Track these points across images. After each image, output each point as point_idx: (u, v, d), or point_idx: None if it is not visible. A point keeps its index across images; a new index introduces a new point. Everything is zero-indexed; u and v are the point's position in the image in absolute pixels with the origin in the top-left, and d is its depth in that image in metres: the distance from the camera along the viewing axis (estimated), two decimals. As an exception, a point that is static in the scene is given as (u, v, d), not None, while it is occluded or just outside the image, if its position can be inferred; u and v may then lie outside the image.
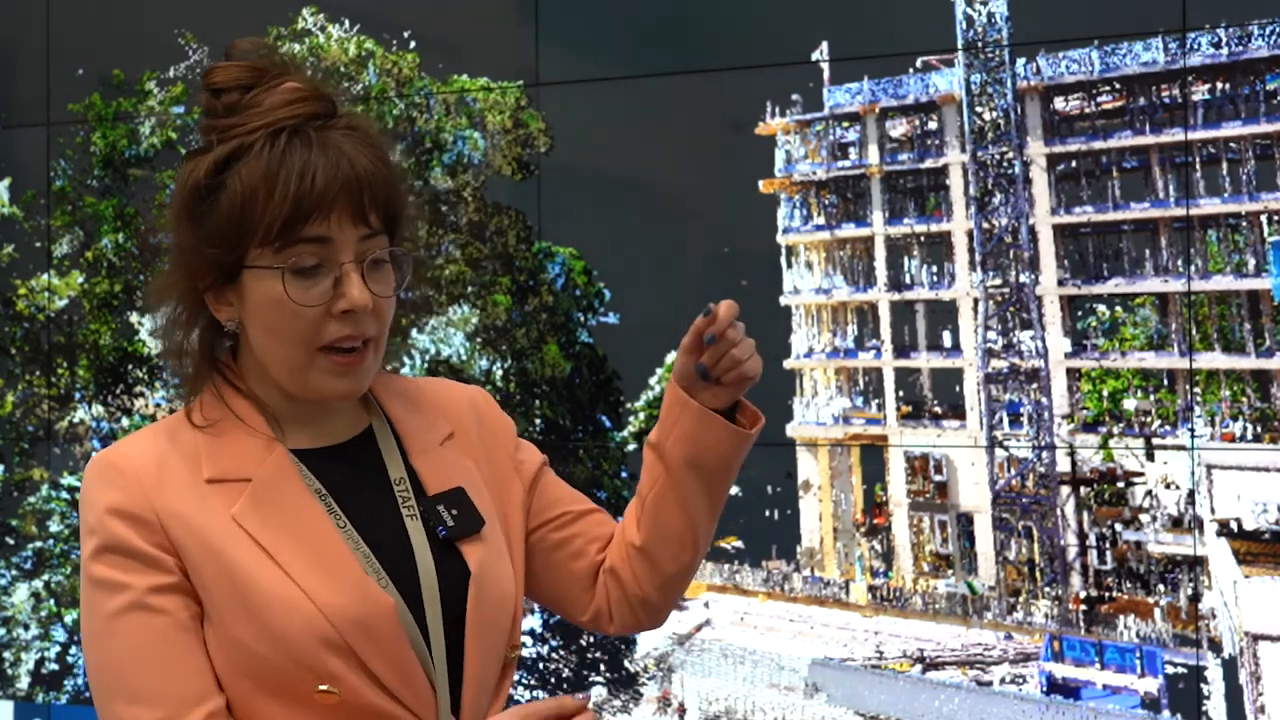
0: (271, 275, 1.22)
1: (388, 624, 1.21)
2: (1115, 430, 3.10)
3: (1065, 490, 3.14)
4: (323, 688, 1.18)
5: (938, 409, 3.29)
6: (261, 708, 1.20)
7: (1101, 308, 3.15)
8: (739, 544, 3.41)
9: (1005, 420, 3.21)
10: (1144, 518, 3.08)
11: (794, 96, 3.36)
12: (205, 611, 1.22)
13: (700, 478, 1.39)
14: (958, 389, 3.25)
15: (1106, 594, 3.11)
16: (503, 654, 1.31)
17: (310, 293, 1.22)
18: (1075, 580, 3.13)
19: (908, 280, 3.32)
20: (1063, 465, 3.14)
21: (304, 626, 1.18)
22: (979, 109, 3.21)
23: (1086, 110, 3.16)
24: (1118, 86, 3.12)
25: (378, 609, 1.21)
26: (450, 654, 1.26)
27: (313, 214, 1.21)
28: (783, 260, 3.40)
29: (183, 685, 1.19)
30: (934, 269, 3.30)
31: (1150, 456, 3.07)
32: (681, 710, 3.45)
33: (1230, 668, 2.97)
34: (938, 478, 3.28)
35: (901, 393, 3.32)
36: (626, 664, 3.51)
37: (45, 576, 4.03)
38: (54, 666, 4.02)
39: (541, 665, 3.56)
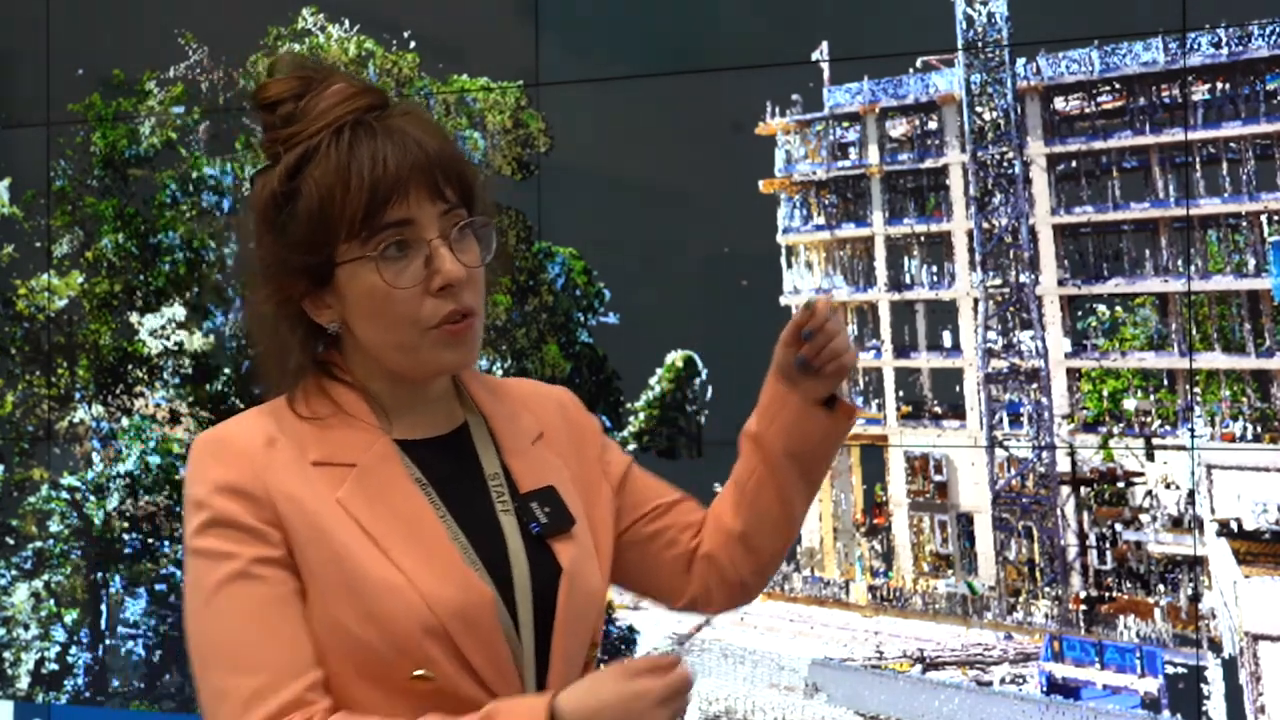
0: (365, 266, 1.24)
1: (487, 615, 1.22)
2: (1115, 430, 3.10)
3: (1065, 490, 3.14)
4: (418, 673, 1.19)
5: (938, 409, 3.29)
6: (355, 690, 1.21)
7: (1101, 308, 3.15)
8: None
9: (1005, 420, 3.21)
10: (1144, 518, 3.08)
11: (794, 96, 3.36)
12: (307, 591, 1.22)
13: (799, 467, 1.44)
14: (958, 389, 3.25)
15: (1106, 594, 3.11)
16: (585, 651, 1.33)
17: (405, 275, 1.24)
18: (1075, 580, 3.13)
19: (908, 280, 3.32)
20: (1063, 465, 3.14)
21: (407, 613, 1.19)
22: (979, 109, 3.21)
23: (1086, 110, 3.16)
24: (1118, 86, 3.12)
25: (478, 600, 1.22)
26: (541, 647, 1.27)
27: (391, 198, 1.22)
28: (783, 260, 3.40)
29: (283, 655, 1.19)
30: (934, 269, 3.30)
31: (1150, 456, 3.07)
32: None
33: (1230, 668, 2.97)
34: (938, 478, 3.28)
35: (901, 393, 3.32)
36: (626, 664, 3.51)
37: (45, 576, 4.03)
38: (54, 666, 4.02)
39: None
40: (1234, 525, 2.98)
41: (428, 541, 1.24)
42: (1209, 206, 3.04)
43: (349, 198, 1.22)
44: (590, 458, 1.44)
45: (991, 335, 3.21)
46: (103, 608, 3.98)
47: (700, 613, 1.53)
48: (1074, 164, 3.18)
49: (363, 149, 1.23)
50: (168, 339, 3.93)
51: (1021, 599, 3.17)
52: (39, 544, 4.03)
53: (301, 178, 1.24)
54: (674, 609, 1.52)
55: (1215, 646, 2.99)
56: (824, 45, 3.32)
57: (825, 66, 3.33)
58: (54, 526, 4.02)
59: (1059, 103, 3.18)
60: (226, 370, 3.89)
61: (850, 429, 1.45)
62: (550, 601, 1.28)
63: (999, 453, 3.20)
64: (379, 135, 1.24)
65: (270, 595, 1.20)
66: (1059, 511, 3.15)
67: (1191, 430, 3.02)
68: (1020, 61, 3.17)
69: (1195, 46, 3.02)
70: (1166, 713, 3.02)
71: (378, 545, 1.22)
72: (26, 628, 4.04)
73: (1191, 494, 3.02)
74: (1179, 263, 3.07)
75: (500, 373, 3.56)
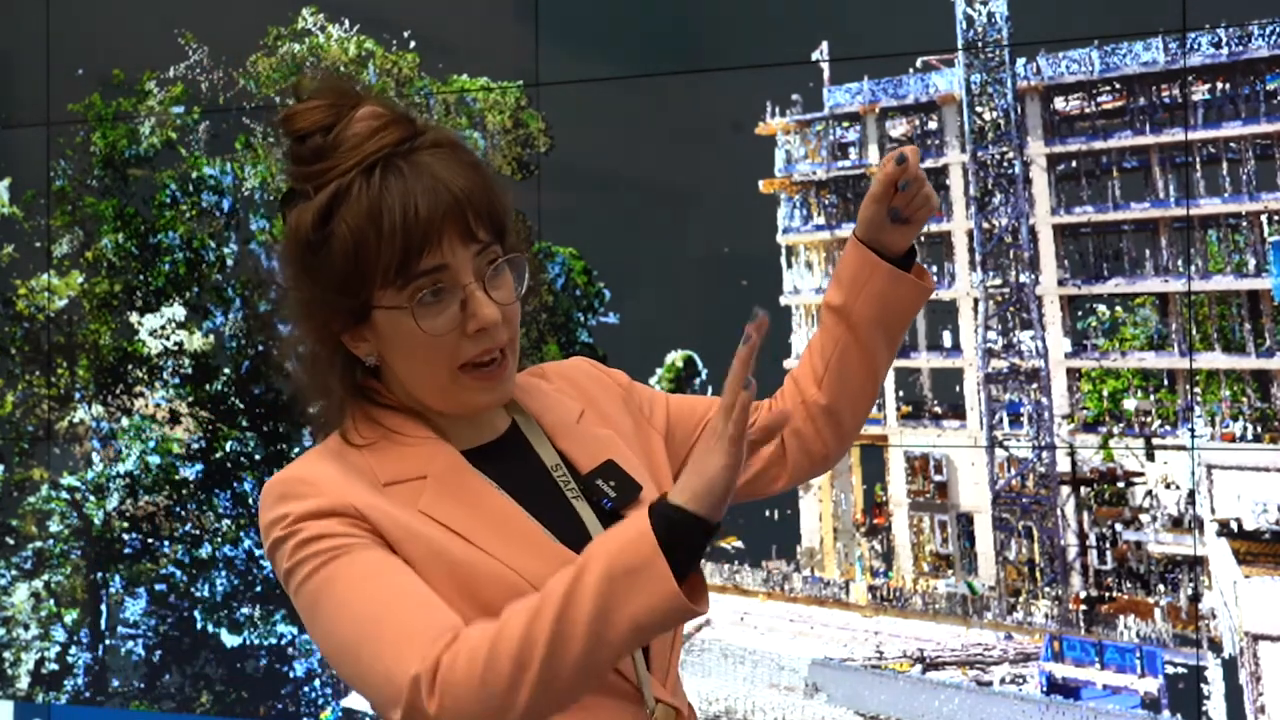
0: (401, 313, 1.24)
1: None
2: (1115, 430, 3.10)
3: (1065, 490, 3.14)
4: None
5: (938, 409, 3.29)
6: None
7: (1101, 308, 3.15)
8: (739, 544, 3.41)
9: (1005, 420, 3.21)
10: (1144, 518, 3.08)
11: (794, 96, 3.36)
12: None
13: (885, 333, 1.49)
14: (958, 389, 3.25)
15: (1106, 594, 3.11)
16: None
17: (440, 320, 1.25)
18: (1075, 580, 3.13)
19: (908, 280, 3.32)
20: (1063, 465, 3.14)
21: (515, 596, 1.19)
22: (979, 109, 3.21)
23: (1086, 110, 3.16)
24: (1118, 86, 3.12)
25: None
26: None
27: (425, 246, 1.23)
28: (783, 260, 3.40)
29: (422, 611, 1.18)
30: (934, 269, 3.30)
31: (1150, 456, 3.07)
32: (681, 710, 3.44)
33: (1230, 668, 2.97)
34: (938, 478, 3.28)
35: (901, 393, 3.32)
36: (626, 664, 3.51)
37: (45, 576, 4.03)
38: (54, 666, 4.02)
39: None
40: (1234, 525, 2.98)
41: (515, 527, 1.26)
42: (1209, 206, 3.04)
43: (382, 247, 1.22)
44: (634, 413, 1.47)
45: (991, 335, 3.21)
46: (102, 608, 3.98)
47: (777, 489, 1.55)
48: (1074, 164, 3.18)
49: (394, 193, 1.22)
50: (168, 339, 3.93)
51: (1021, 599, 3.17)
52: (39, 544, 4.03)
53: (335, 221, 1.24)
54: (755, 497, 1.54)
55: (1215, 646, 2.99)
56: (824, 45, 3.32)
57: (825, 66, 3.33)
58: (54, 526, 4.02)
59: (1059, 103, 3.18)
60: (226, 370, 3.89)
61: (932, 288, 1.50)
62: None
63: (999, 453, 3.20)
64: (408, 176, 1.23)
65: (378, 559, 1.21)
66: (1059, 511, 3.15)
67: (1191, 430, 3.02)
68: (1020, 61, 3.17)
69: (1195, 46, 3.02)
70: (1166, 713, 3.02)
71: (471, 543, 1.24)
72: (26, 628, 4.04)
73: (1191, 494, 3.02)
74: (1179, 263, 3.07)
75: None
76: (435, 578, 1.22)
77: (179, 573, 3.90)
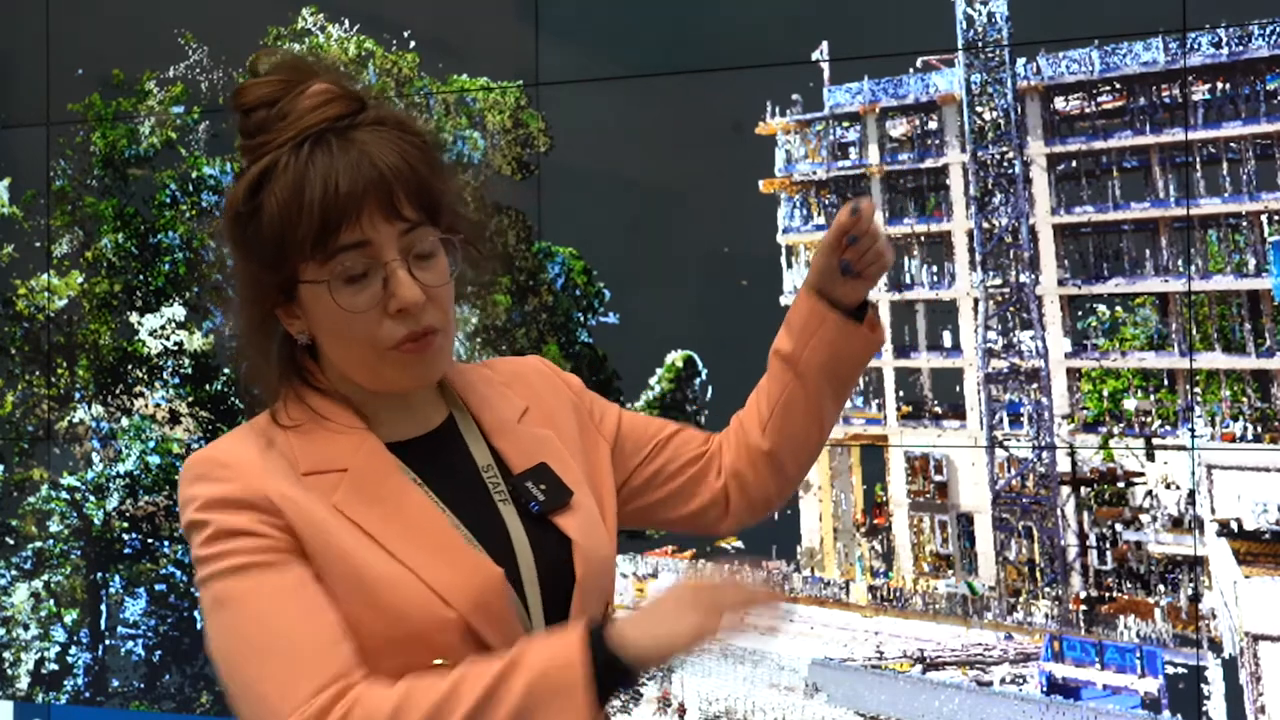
0: (322, 289, 1.23)
1: (498, 595, 1.23)
2: (1115, 430, 3.10)
3: (1065, 490, 3.14)
4: (438, 661, 1.20)
5: (938, 409, 3.29)
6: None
7: (1101, 308, 3.15)
8: (739, 544, 3.41)
9: (1005, 420, 3.21)
10: (1144, 518, 3.08)
11: (794, 96, 3.36)
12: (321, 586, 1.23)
13: (833, 383, 1.47)
14: (958, 389, 3.25)
15: (1106, 594, 3.11)
16: (601, 614, 1.34)
17: (361, 298, 1.23)
18: (1075, 580, 3.13)
19: (908, 280, 3.32)
20: (1063, 465, 3.14)
21: (420, 605, 1.20)
22: (979, 109, 3.21)
23: (1086, 110, 3.16)
24: (1118, 86, 3.12)
25: (488, 580, 1.23)
26: (552, 621, 1.28)
27: (343, 221, 1.21)
28: (783, 260, 3.40)
29: (313, 633, 1.18)
30: (934, 269, 3.29)
31: (1150, 456, 3.07)
32: (681, 710, 3.45)
33: (1230, 668, 2.97)
34: (938, 478, 3.27)
35: (901, 393, 3.32)
36: (626, 664, 3.51)
37: (45, 576, 4.03)
38: (54, 666, 4.02)
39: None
40: (1234, 525, 2.98)
41: (430, 532, 1.24)
42: (1209, 206, 3.03)
43: (303, 219, 1.20)
44: (583, 417, 1.45)
45: (991, 335, 3.21)
46: (102, 608, 3.98)
47: (721, 531, 1.55)
48: (1074, 164, 3.18)
49: (317, 167, 1.21)
50: (168, 339, 3.93)
51: (1021, 599, 3.17)
52: (39, 544, 4.03)
53: (264, 193, 1.23)
54: (698, 533, 1.55)
55: (1215, 646, 2.99)
56: (824, 45, 3.31)
57: (825, 66, 3.33)
58: (54, 526, 4.02)
59: (1059, 103, 3.18)
60: (226, 370, 3.89)
61: (883, 341, 1.48)
62: (562, 577, 1.29)
63: (999, 453, 3.20)
64: (336, 151, 1.21)
65: (285, 581, 1.20)
66: (1059, 511, 3.15)
67: (1191, 430, 3.02)
68: (1020, 61, 3.17)
69: (1195, 46, 3.02)
70: (1166, 713, 3.02)
71: (381, 546, 1.22)
72: (26, 628, 4.04)
73: (1191, 494, 3.02)
74: (1179, 263, 3.07)
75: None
76: (336, 580, 1.21)
77: (179, 573, 3.90)
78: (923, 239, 3.31)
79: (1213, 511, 3.00)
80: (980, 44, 3.19)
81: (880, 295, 3.34)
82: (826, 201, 3.39)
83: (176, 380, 3.93)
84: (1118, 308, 3.13)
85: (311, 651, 1.17)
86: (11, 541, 4.06)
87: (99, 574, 3.98)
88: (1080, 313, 3.17)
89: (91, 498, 3.98)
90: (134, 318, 3.97)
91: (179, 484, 1.26)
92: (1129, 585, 3.09)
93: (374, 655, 1.20)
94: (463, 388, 1.39)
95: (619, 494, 1.47)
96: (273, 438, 1.27)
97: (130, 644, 3.95)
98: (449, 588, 1.20)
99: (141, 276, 3.95)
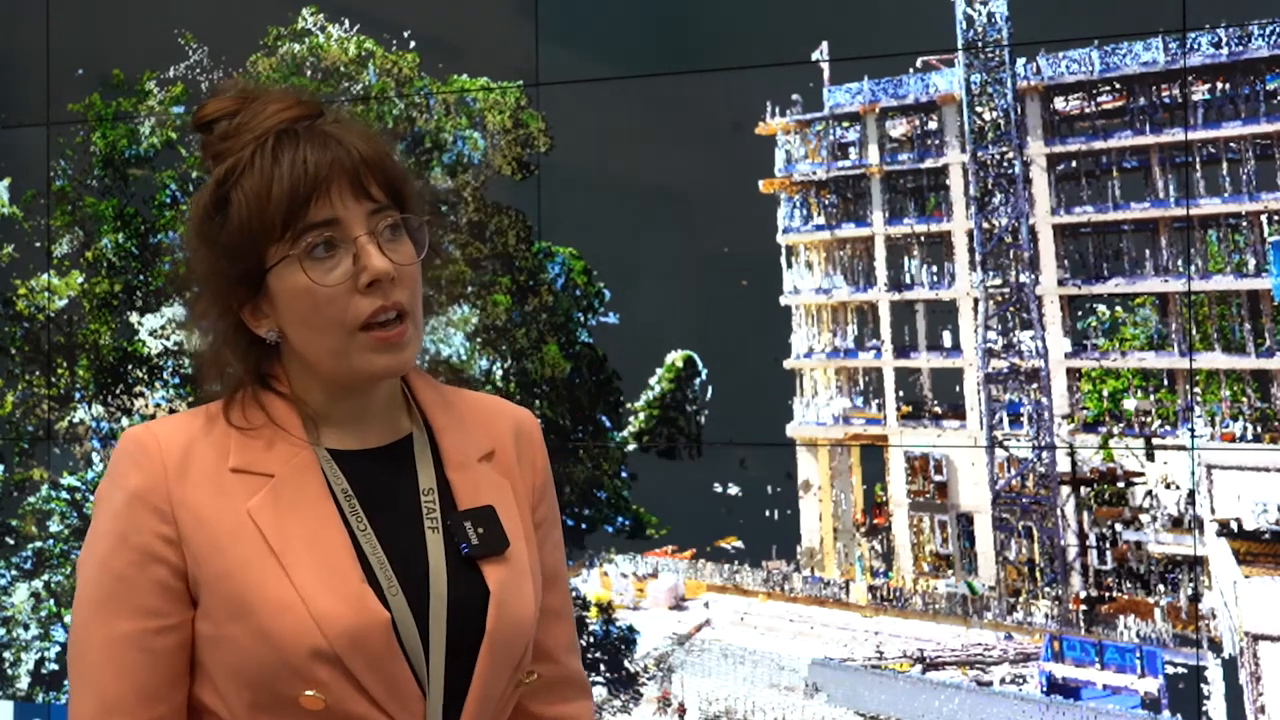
0: (292, 266, 1.23)
1: (379, 637, 1.20)
2: (1115, 430, 3.10)
3: (1065, 490, 3.14)
4: (309, 692, 1.19)
5: (938, 409, 3.29)
6: (242, 713, 1.22)
7: (1101, 308, 3.15)
8: (739, 544, 3.41)
9: (1005, 420, 3.21)
10: (1144, 518, 3.08)
11: (794, 96, 3.36)
12: (200, 606, 1.23)
13: None
14: (958, 389, 3.25)
15: (1106, 594, 3.11)
16: (511, 674, 1.30)
17: (333, 273, 1.23)
18: (1075, 580, 3.13)
19: (908, 280, 3.32)
20: (1063, 465, 3.14)
21: (295, 631, 1.19)
22: (979, 109, 3.21)
23: (1086, 110, 3.16)
24: (1118, 86, 3.12)
25: (371, 621, 1.20)
26: (460, 670, 1.25)
27: (312, 196, 1.23)
28: (783, 260, 3.40)
29: (127, 690, 1.23)
30: (934, 269, 3.30)
31: (1150, 456, 3.07)
32: (681, 710, 3.45)
33: (1230, 668, 2.97)
34: (938, 478, 3.27)
35: (901, 393, 3.32)
36: (626, 664, 3.51)
37: (45, 576, 4.03)
38: (54, 666, 4.02)
39: (541, 665, 3.56)
40: (1234, 525, 2.98)
41: (330, 558, 1.22)
42: (1209, 206, 3.04)
43: (273, 201, 1.22)
44: (531, 491, 1.40)
45: (991, 335, 3.21)
46: (103, 608, 3.98)
47: None
48: (1074, 164, 3.18)
49: (285, 155, 1.23)
50: (168, 339, 3.93)
51: (1021, 599, 3.17)
52: (39, 544, 4.03)
53: (231, 188, 1.25)
54: None
55: (1215, 646, 2.99)
56: (824, 45, 3.31)
57: (825, 66, 3.33)
58: (54, 526, 4.02)
59: (1059, 103, 3.18)
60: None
61: None
62: (475, 623, 1.26)
63: (999, 453, 3.20)
64: (303, 141, 1.24)
65: (115, 634, 1.23)
66: (1059, 511, 3.15)
67: (1191, 430, 3.02)
68: (1020, 61, 3.17)
69: (1195, 46, 3.02)
70: (1166, 713, 3.02)
71: (279, 560, 1.21)
72: (26, 628, 4.04)
73: (1191, 494, 3.02)
74: (1179, 263, 3.07)
75: (500, 373, 3.56)
76: (216, 599, 1.22)
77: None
78: (923, 239, 3.31)
79: (1213, 511, 3.00)
80: (980, 44, 3.19)
81: (880, 295, 3.35)
82: (826, 202, 3.39)
83: (176, 380, 3.93)
84: (1118, 308, 3.13)
85: (115, 706, 1.22)
86: (11, 541, 4.06)
87: (99, 574, 3.97)
88: (1080, 313, 3.17)
89: (91, 498, 3.98)
90: (134, 318, 3.97)
91: (116, 448, 1.29)
92: (1129, 585, 3.09)
93: (244, 679, 1.21)
94: (432, 407, 1.37)
95: None
96: (215, 429, 1.28)
97: (130, 644, 3.95)
98: (329, 618, 1.19)
99: (141, 276, 3.95)
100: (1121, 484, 3.10)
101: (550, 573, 1.43)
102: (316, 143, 1.24)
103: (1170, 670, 3.03)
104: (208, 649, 1.24)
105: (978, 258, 3.22)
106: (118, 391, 3.98)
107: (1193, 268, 3.05)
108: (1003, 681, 3.18)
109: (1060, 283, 3.17)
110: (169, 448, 1.26)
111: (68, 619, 4.00)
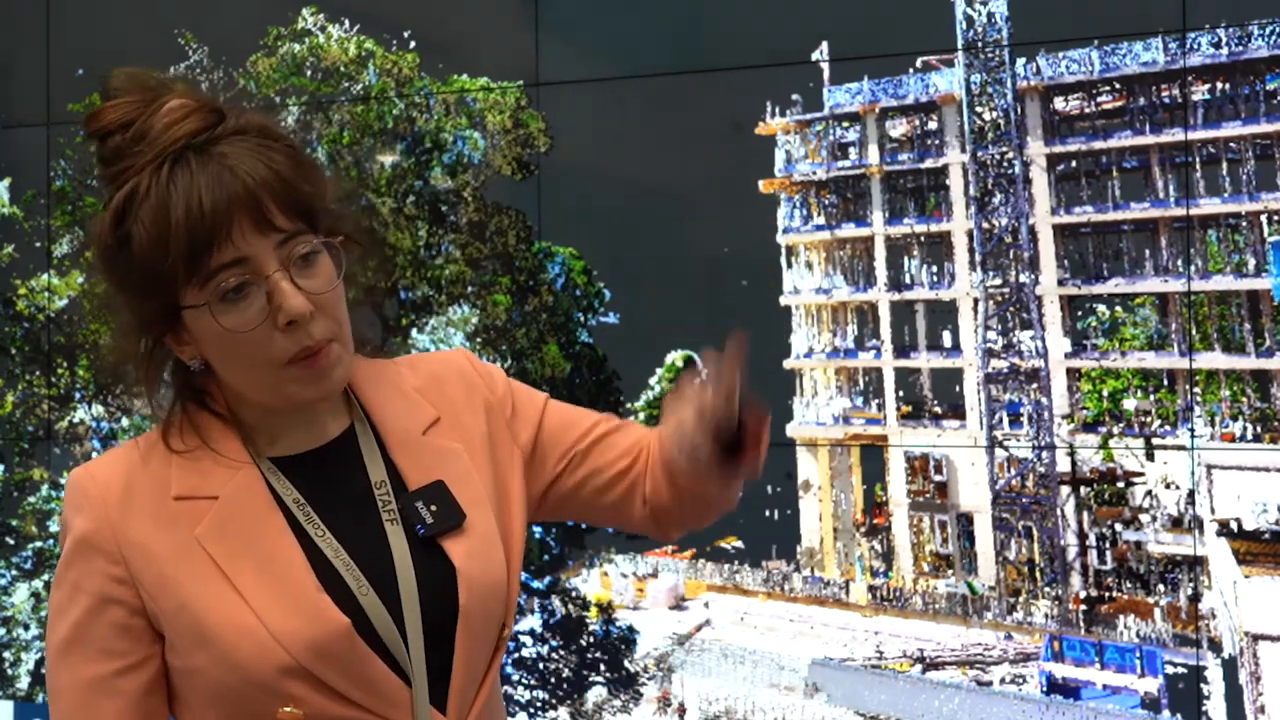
0: (204, 313, 1.19)
1: (341, 644, 1.19)
2: (1115, 430, 3.10)
3: (1065, 490, 3.14)
4: (286, 709, 1.18)
5: (938, 409, 3.29)
6: None
7: (1101, 308, 3.15)
8: (739, 544, 3.41)
9: (1005, 420, 3.21)
10: (1144, 518, 3.08)
11: (794, 96, 3.36)
12: (167, 639, 1.23)
13: (715, 491, 1.38)
14: (958, 389, 3.25)
15: (1106, 594, 3.11)
16: (494, 638, 1.30)
17: (246, 315, 1.18)
18: (1075, 580, 3.13)
19: (908, 280, 3.32)
20: (1063, 465, 3.14)
21: (259, 653, 1.18)
22: (979, 109, 3.21)
23: (1086, 110, 3.16)
24: (1118, 86, 3.12)
25: (330, 630, 1.19)
26: (445, 650, 1.25)
27: (213, 240, 1.16)
28: (783, 260, 3.40)
29: None
30: (934, 269, 3.30)
31: (1150, 456, 3.07)
32: (681, 710, 3.45)
33: (1230, 668, 2.97)
34: (938, 478, 3.27)
35: (901, 393, 3.32)
36: (626, 664, 3.51)
37: (45, 576, 4.03)
38: (54, 666, 4.02)
39: (541, 665, 3.56)
40: (1234, 525, 2.98)
41: (281, 575, 1.20)
42: (1209, 206, 3.04)
43: (173, 245, 1.16)
44: (499, 424, 1.38)
45: (991, 335, 3.21)
46: (103, 608, 3.98)
47: (635, 528, 1.47)
48: (1074, 164, 3.18)
49: (179, 188, 1.16)
50: (168, 339, 3.93)
51: (1021, 599, 3.17)
52: (39, 544, 4.03)
53: (129, 221, 1.20)
54: (633, 531, 1.47)
55: (1215, 646, 2.99)
56: (824, 45, 3.32)
57: (825, 66, 3.33)
58: (54, 526, 4.01)
59: (1059, 103, 3.18)
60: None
61: (758, 475, 1.34)
62: (449, 602, 1.25)
63: (999, 453, 3.20)
64: (195, 170, 1.17)
65: (82, 677, 1.23)
66: (1059, 511, 3.15)
67: (1191, 430, 3.02)
68: (1020, 61, 3.17)
69: (1195, 46, 3.02)
70: (1166, 713, 3.02)
71: (232, 584, 1.19)
72: (26, 628, 4.04)
73: (1191, 494, 3.02)
74: (1179, 263, 3.07)
75: (500, 373, 3.56)
76: (177, 632, 1.21)
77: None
78: (923, 239, 3.31)
79: (1212, 511, 3.00)
80: (980, 44, 3.19)
81: (880, 295, 3.35)
82: (826, 201, 3.39)
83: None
84: (1117, 308, 3.13)
85: None
86: (11, 541, 4.06)
87: (99, 574, 3.97)
88: (1080, 313, 3.17)
89: (91, 498, 3.98)
90: (134, 318, 3.96)
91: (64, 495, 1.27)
92: (1129, 585, 3.09)
93: (219, 706, 1.20)
94: (369, 395, 1.33)
95: (547, 496, 1.41)
96: (154, 459, 1.25)
97: (130, 644, 3.95)
98: (290, 635, 1.18)
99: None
100: (1121, 484, 3.10)
101: (566, 423, 1.41)
102: (211, 174, 1.17)
103: (1170, 670, 3.03)
104: (180, 679, 1.23)
105: (978, 258, 3.22)
106: (117, 391, 3.98)
107: (1193, 268, 3.05)
108: (1003, 681, 3.18)
109: (1060, 283, 3.17)
110: (108, 487, 1.23)
111: (68, 619, 4.01)
